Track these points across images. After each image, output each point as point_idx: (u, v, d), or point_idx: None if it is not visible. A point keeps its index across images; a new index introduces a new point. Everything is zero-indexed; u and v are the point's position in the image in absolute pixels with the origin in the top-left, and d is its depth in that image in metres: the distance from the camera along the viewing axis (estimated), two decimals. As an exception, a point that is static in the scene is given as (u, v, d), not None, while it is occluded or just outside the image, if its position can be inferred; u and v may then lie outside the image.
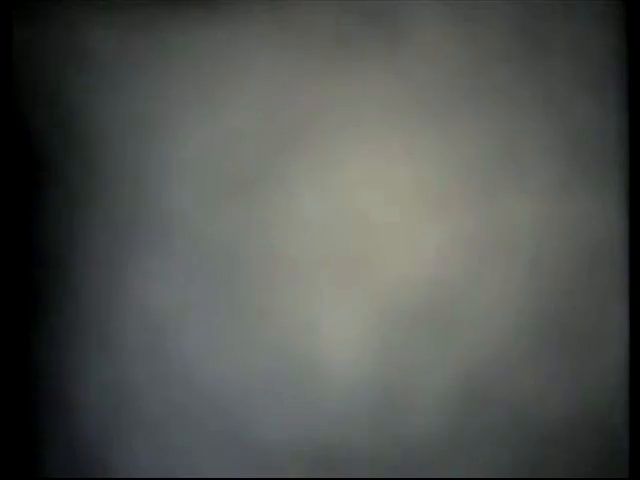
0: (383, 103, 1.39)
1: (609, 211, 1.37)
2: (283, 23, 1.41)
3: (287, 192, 1.40)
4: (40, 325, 1.44)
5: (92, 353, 1.42)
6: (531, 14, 1.38)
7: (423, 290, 1.37)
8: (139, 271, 1.41)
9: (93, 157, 1.43)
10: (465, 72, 1.38)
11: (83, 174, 1.43)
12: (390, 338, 1.37)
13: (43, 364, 1.43)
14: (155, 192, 1.42)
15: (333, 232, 1.39)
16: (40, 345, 1.44)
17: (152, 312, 1.41)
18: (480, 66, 1.38)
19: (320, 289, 1.38)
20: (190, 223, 1.41)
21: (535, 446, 1.36)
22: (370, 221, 1.38)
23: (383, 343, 1.37)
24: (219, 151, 1.41)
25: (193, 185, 1.41)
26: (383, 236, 1.38)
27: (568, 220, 1.37)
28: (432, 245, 1.38)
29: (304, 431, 1.38)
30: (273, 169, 1.40)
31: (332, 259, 1.39)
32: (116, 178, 1.43)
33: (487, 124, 1.38)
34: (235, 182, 1.41)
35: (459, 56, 1.38)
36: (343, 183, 1.39)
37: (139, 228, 1.42)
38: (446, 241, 1.37)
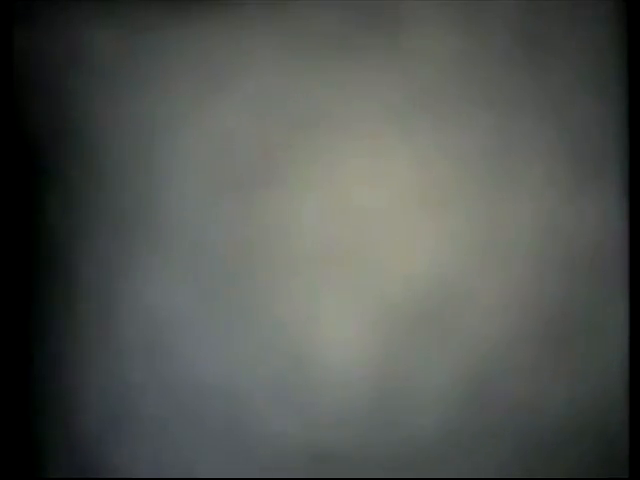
0: (382, 102, 1.39)
1: (609, 211, 1.37)
2: (283, 23, 1.40)
3: (286, 192, 1.40)
4: (40, 325, 1.44)
5: (92, 353, 1.42)
6: (532, 14, 1.38)
7: (423, 290, 1.37)
8: (139, 271, 1.41)
9: (93, 158, 1.43)
10: (465, 71, 1.38)
11: (83, 175, 1.43)
12: (390, 338, 1.37)
13: (43, 364, 1.44)
14: (155, 192, 1.42)
15: (333, 232, 1.39)
16: (40, 345, 1.44)
17: (152, 312, 1.41)
18: (480, 65, 1.38)
19: (319, 289, 1.38)
20: (189, 223, 1.41)
21: (535, 446, 1.36)
22: (369, 220, 1.38)
23: (383, 343, 1.37)
24: (219, 151, 1.41)
25: (192, 185, 1.41)
26: (383, 235, 1.38)
27: (568, 220, 1.37)
28: (432, 245, 1.37)
29: (303, 431, 1.38)
30: (273, 169, 1.40)
31: (331, 259, 1.38)
32: (116, 178, 1.43)
33: (487, 124, 1.38)
34: (235, 182, 1.41)
35: (459, 55, 1.38)
36: (342, 183, 1.39)
37: (139, 229, 1.42)
38: (446, 241, 1.37)
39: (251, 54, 1.41)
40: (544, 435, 1.36)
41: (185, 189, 1.41)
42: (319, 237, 1.39)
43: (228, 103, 1.41)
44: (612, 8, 1.37)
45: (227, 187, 1.41)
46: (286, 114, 1.40)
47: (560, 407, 1.36)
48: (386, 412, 1.37)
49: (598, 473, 1.35)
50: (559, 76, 1.37)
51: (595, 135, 1.37)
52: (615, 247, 1.37)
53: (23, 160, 1.45)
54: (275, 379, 1.38)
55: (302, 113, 1.40)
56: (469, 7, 1.38)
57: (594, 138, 1.37)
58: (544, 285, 1.36)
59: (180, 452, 1.40)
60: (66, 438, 1.42)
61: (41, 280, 1.44)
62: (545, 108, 1.38)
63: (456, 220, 1.37)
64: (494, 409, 1.36)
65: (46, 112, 1.44)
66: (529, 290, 1.36)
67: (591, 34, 1.37)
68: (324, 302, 1.38)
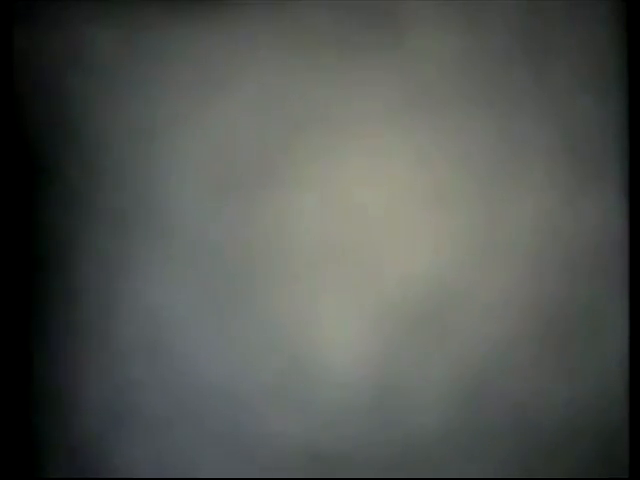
0: (382, 102, 1.39)
1: (609, 211, 1.37)
2: (283, 23, 1.40)
3: (286, 192, 1.40)
4: (40, 325, 1.44)
5: (92, 353, 1.42)
6: (532, 14, 1.38)
7: (423, 290, 1.37)
8: (139, 271, 1.41)
9: (93, 157, 1.43)
10: (465, 71, 1.38)
11: (83, 175, 1.43)
12: (390, 338, 1.37)
13: (43, 364, 1.43)
14: (155, 192, 1.42)
15: (333, 232, 1.39)
16: (40, 345, 1.44)
17: (152, 312, 1.41)
18: (480, 65, 1.38)
19: (320, 288, 1.38)
20: (190, 223, 1.41)
21: (534, 446, 1.36)
22: (370, 221, 1.38)
23: (383, 343, 1.37)
24: (219, 151, 1.41)
25: (192, 184, 1.41)
26: (383, 236, 1.38)
27: (568, 220, 1.37)
28: (433, 245, 1.37)
29: (303, 431, 1.38)
30: (273, 169, 1.40)
31: (332, 259, 1.38)
32: (116, 178, 1.43)
33: (487, 123, 1.38)
34: (234, 181, 1.41)
35: (459, 55, 1.38)
36: (342, 183, 1.39)
37: (139, 228, 1.42)
38: (446, 241, 1.37)
39: (251, 54, 1.41)
40: (544, 435, 1.36)
41: (185, 189, 1.41)
42: (319, 237, 1.39)
43: (228, 103, 1.41)
44: (612, 8, 1.37)
45: (227, 187, 1.41)
46: (286, 114, 1.40)
47: (560, 407, 1.36)
48: (386, 412, 1.37)
49: (598, 473, 1.35)
50: (559, 76, 1.37)
51: (595, 135, 1.37)
52: (615, 247, 1.37)
53: (23, 160, 1.45)
54: (275, 379, 1.38)
55: (302, 113, 1.40)
56: (469, 7, 1.38)
57: (594, 138, 1.37)
58: (544, 285, 1.36)
59: (180, 452, 1.40)
60: (66, 438, 1.42)
61: (41, 279, 1.44)
62: (545, 108, 1.38)
63: (456, 220, 1.37)
64: (494, 409, 1.36)
65: (46, 112, 1.44)
66: (529, 290, 1.36)
67: (591, 34, 1.37)
68: (324, 302, 1.38)
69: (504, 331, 1.36)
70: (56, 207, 1.44)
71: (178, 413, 1.40)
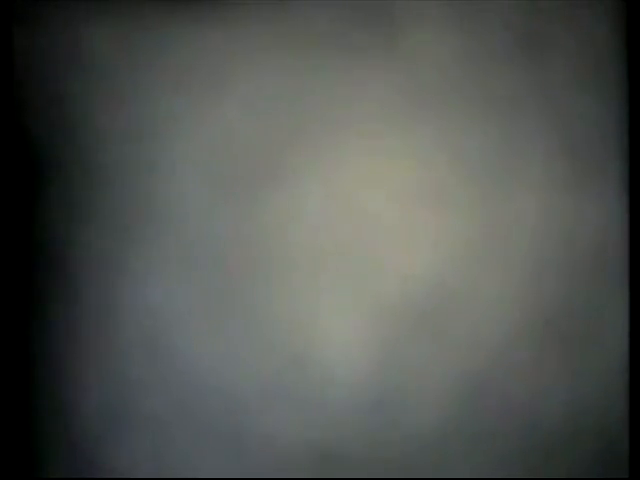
0: (382, 102, 1.39)
1: (609, 211, 1.37)
2: (283, 23, 1.41)
3: (287, 192, 1.40)
4: (40, 325, 1.44)
5: (92, 352, 1.42)
6: (531, 14, 1.38)
7: (422, 289, 1.37)
8: (139, 271, 1.41)
9: (93, 157, 1.43)
10: (464, 71, 1.38)
11: (83, 174, 1.44)
12: (389, 338, 1.37)
13: (43, 364, 1.43)
14: (155, 192, 1.42)
15: (333, 232, 1.39)
16: (40, 345, 1.44)
17: (152, 312, 1.41)
18: (479, 65, 1.38)
19: (320, 289, 1.38)
20: (190, 223, 1.41)
21: (535, 446, 1.36)
22: (370, 221, 1.38)
23: (382, 343, 1.37)
24: (219, 151, 1.41)
25: (193, 184, 1.41)
26: (383, 236, 1.38)
27: (568, 220, 1.37)
28: (433, 245, 1.37)
29: (303, 431, 1.38)
30: (273, 169, 1.40)
31: (332, 259, 1.38)
32: (116, 178, 1.43)
33: (487, 123, 1.38)
34: (235, 182, 1.41)
35: (458, 55, 1.38)
36: (343, 183, 1.39)
37: (139, 228, 1.42)
38: (446, 240, 1.37)
39: (251, 54, 1.41)
40: (544, 435, 1.36)
41: (185, 188, 1.41)
42: (319, 237, 1.39)
43: (228, 102, 1.41)
44: (612, 8, 1.37)
45: (227, 187, 1.41)
46: (286, 114, 1.40)
47: (560, 407, 1.36)
48: (386, 412, 1.37)
49: (598, 473, 1.35)
50: (559, 76, 1.37)
51: (595, 134, 1.37)
52: (615, 247, 1.37)
53: (23, 159, 1.45)
54: (275, 379, 1.38)
55: (302, 113, 1.40)
56: (469, 7, 1.38)
57: (594, 137, 1.37)
58: (544, 285, 1.36)
59: (180, 452, 1.40)
60: (66, 438, 1.42)
61: (41, 279, 1.44)
62: (545, 108, 1.38)
63: (456, 220, 1.37)
64: (494, 409, 1.36)
65: (46, 112, 1.44)
66: (529, 290, 1.36)
67: (591, 34, 1.37)
68: (324, 302, 1.38)
69: (504, 331, 1.36)
70: (56, 207, 1.44)
71: (178, 413, 1.40)
